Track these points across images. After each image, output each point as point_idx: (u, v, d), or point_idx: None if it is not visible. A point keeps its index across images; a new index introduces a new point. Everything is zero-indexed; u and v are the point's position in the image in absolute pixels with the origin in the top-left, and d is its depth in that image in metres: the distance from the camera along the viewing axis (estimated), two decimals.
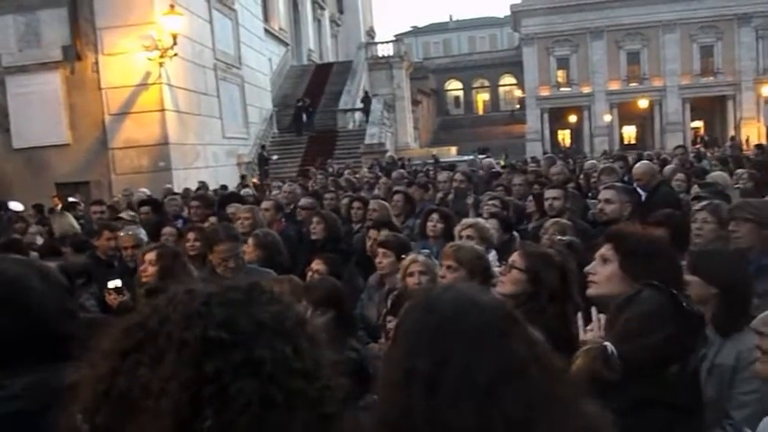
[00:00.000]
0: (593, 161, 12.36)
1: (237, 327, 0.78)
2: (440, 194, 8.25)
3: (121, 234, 5.24)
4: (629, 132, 48.55)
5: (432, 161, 22.11)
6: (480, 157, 19.96)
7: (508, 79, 61.01)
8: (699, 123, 46.47)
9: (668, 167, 8.94)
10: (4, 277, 1.35)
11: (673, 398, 1.81)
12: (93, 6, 15.65)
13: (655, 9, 43.94)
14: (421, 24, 79.38)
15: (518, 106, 55.74)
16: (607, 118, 45.71)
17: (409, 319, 1.11)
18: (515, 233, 5.25)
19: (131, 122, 15.86)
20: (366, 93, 29.77)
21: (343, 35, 44.43)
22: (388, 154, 24.04)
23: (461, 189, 7.75)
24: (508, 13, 50.59)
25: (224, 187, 14.02)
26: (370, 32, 47.07)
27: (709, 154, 18.28)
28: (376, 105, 27.32)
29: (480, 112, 62.92)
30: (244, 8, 22.53)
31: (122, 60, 15.68)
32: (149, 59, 15.49)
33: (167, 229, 5.73)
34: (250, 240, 4.79)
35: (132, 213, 7.29)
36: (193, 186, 13.25)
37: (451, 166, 13.92)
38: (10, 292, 1.32)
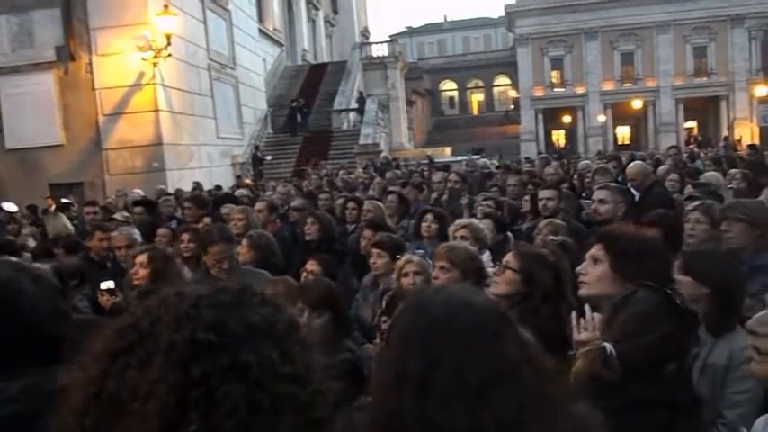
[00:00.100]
0: (587, 161, 12.40)
1: (226, 330, 0.77)
2: (434, 195, 8.26)
3: (115, 234, 5.23)
4: (623, 133, 48.68)
5: (426, 161, 22.14)
6: (474, 157, 20.00)
7: (502, 80, 61.10)
8: (692, 124, 46.63)
9: (662, 168, 8.97)
10: None
11: (671, 396, 1.82)
12: (86, 7, 15.60)
13: (648, 10, 44.07)
14: (415, 25, 79.45)
15: (512, 107, 55.81)
16: (601, 118, 45.82)
17: (401, 321, 1.11)
18: (509, 233, 5.26)
19: (125, 123, 15.82)
20: (361, 93, 29.77)
21: (337, 35, 44.42)
22: (383, 154, 24.04)
23: (456, 190, 7.76)
24: (502, 13, 50.64)
25: (218, 188, 14.00)
26: (365, 33, 47.09)
27: (702, 154, 18.36)
28: (370, 106, 27.32)
29: (475, 112, 62.97)
30: (238, 8, 22.50)
31: (116, 61, 15.64)
32: (143, 60, 15.45)
33: (162, 231, 5.72)
34: (244, 241, 4.78)
35: (126, 214, 7.27)
36: (188, 187, 13.23)
37: (446, 167, 13.93)
38: (1, 295, 1.32)
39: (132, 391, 0.73)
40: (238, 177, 19.49)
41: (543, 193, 5.43)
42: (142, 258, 3.75)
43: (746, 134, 36.93)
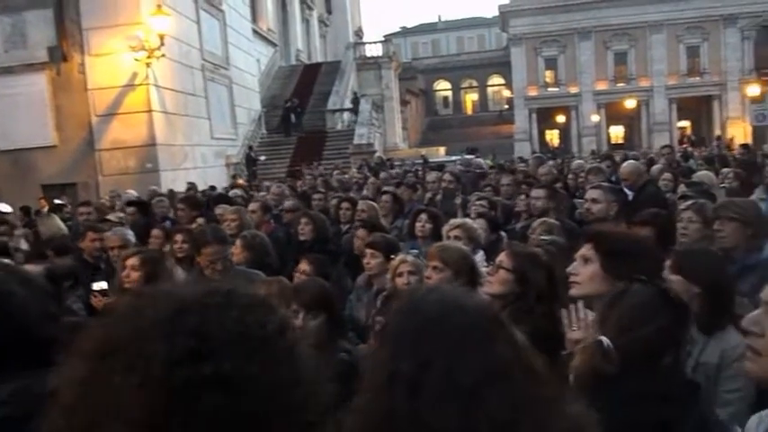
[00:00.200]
0: (581, 161, 12.43)
1: (210, 336, 0.74)
2: (428, 195, 8.27)
3: (108, 235, 5.21)
4: (617, 132, 48.82)
5: (420, 161, 22.15)
6: (468, 157, 19.99)
7: (496, 79, 61.18)
8: (685, 123, 46.80)
9: (655, 167, 9.00)
10: None
11: (667, 388, 1.85)
12: (79, 7, 15.55)
13: (642, 10, 44.22)
14: (409, 25, 79.50)
15: (506, 106, 55.89)
16: (595, 118, 45.93)
17: (393, 322, 1.11)
18: (503, 233, 5.27)
19: (118, 123, 15.78)
20: (355, 93, 29.77)
21: (331, 35, 44.41)
22: (377, 154, 24.04)
23: (450, 189, 7.77)
24: (496, 13, 50.70)
25: (212, 188, 13.98)
26: (359, 33, 47.09)
27: (696, 153, 18.43)
28: (364, 106, 27.32)
29: (469, 112, 63.05)
30: (232, 9, 22.47)
31: (109, 61, 15.59)
32: (136, 60, 15.41)
33: (155, 232, 5.71)
34: (238, 242, 4.78)
35: (120, 215, 7.25)
36: (182, 188, 13.20)
37: (440, 167, 13.94)
38: None
39: (116, 396, 0.71)
40: (233, 177, 19.46)
41: (533, 193, 5.49)
42: (133, 261, 3.73)
43: (739, 133, 37.06)
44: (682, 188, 6.13)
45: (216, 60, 20.48)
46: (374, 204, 6.61)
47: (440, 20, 78.62)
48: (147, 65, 15.49)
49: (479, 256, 4.12)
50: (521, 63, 47.11)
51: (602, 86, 46.09)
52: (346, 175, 14.29)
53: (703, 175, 7.23)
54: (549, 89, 47.17)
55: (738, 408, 2.13)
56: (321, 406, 0.79)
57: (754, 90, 33.29)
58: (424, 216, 5.23)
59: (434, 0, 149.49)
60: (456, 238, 4.21)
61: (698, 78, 45.04)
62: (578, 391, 1.83)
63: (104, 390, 0.70)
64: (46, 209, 11.08)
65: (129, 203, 8.01)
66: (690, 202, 4.01)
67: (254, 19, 28.22)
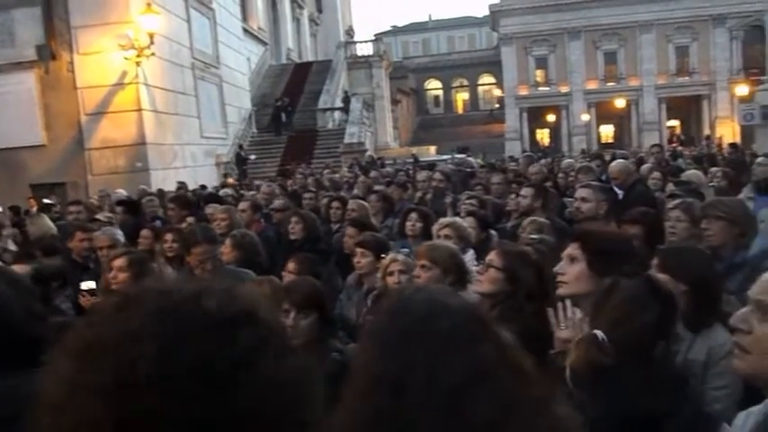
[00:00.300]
0: (571, 160, 12.48)
1: (175, 363, 0.66)
2: (419, 194, 8.27)
3: (97, 234, 5.18)
4: (607, 131, 49.03)
5: (411, 160, 22.16)
6: (460, 156, 20.03)
7: (487, 79, 61.28)
8: (675, 122, 47.06)
9: (645, 166, 9.05)
10: None
11: (660, 379, 1.89)
12: (67, 5, 15.45)
13: (631, 9, 44.44)
14: (400, 24, 79.52)
15: (497, 105, 56.00)
16: (585, 117, 46.12)
17: (378, 324, 1.11)
18: (492, 231, 5.28)
19: (108, 122, 15.70)
20: (346, 92, 29.74)
21: (322, 34, 44.35)
22: (368, 153, 24.04)
23: (440, 188, 7.78)
24: (487, 12, 50.81)
25: (203, 187, 13.93)
26: (350, 32, 47.02)
27: (686, 152, 18.54)
28: (355, 105, 27.31)
29: (460, 111, 63.13)
30: (222, 7, 22.40)
31: (98, 60, 15.51)
32: (126, 59, 15.34)
33: (145, 232, 5.68)
34: (227, 241, 4.76)
35: (109, 215, 7.21)
36: (172, 187, 13.15)
37: (431, 166, 13.96)
38: None
39: (104, 397, 0.67)
40: (225, 176, 19.41)
41: (522, 191, 5.53)
42: (120, 262, 3.71)
43: (728, 133, 37.29)
44: (670, 187, 6.16)
45: (206, 59, 20.42)
46: (364, 203, 6.61)
47: (430, 19, 78.71)
48: (137, 63, 15.42)
49: (469, 255, 4.13)
50: (511, 62, 47.24)
51: (592, 86, 46.29)
52: (337, 175, 14.28)
53: (692, 174, 7.27)
54: (540, 88, 47.34)
55: (725, 405, 2.15)
56: (315, 407, 0.78)
57: (742, 90, 33.54)
58: (414, 215, 5.23)
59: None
60: (446, 236, 4.21)
61: (687, 78, 45.33)
62: (575, 385, 1.86)
63: (92, 390, 0.69)
64: (35, 208, 11.00)
65: (119, 203, 7.97)
66: (678, 201, 4.03)
67: (245, 17, 28.14)
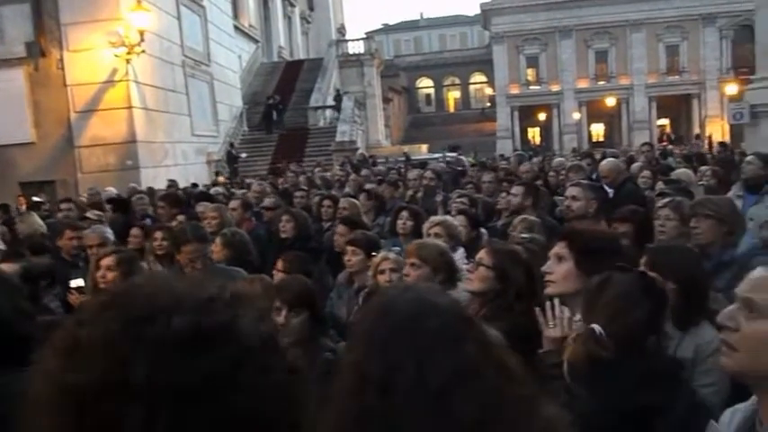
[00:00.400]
0: (562, 159, 12.51)
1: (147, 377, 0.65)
2: (410, 192, 8.28)
3: (87, 232, 5.16)
4: (598, 130, 49.22)
5: (403, 159, 22.17)
6: (451, 154, 20.06)
7: (479, 77, 61.38)
8: (665, 121, 47.28)
9: (635, 165, 9.09)
10: None
11: (656, 370, 1.94)
12: (57, 2, 15.35)
13: (622, 9, 44.62)
14: (392, 22, 79.61)
15: (488, 104, 56.10)
16: (576, 116, 46.28)
17: (365, 324, 1.11)
18: (482, 230, 5.29)
19: (98, 120, 15.60)
20: (337, 90, 29.69)
21: (313, 32, 44.25)
22: (359, 152, 24.02)
23: (431, 187, 7.78)
24: (478, 11, 50.86)
25: (194, 185, 13.88)
26: (341, 30, 46.97)
27: (677, 151, 18.62)
28: (347, 103, 27.27)
29: (451, 109, 63.19)
30: (213, 4, 22.32)
31: (88, 57, 15.42)
32: (116, 56, 15.25)
33: (134, 231, 5.66)
34: (218, 239, 4.76)
35: (98, 213, 7.17)
36: (162, 185, 13.10)
37: (423, 164, 13.97)
38: None
39: (90, 399, 0.66)
40: (217, 174, 19.35)
41: (513, 190, 5.56)
42: (109, 261, 3.69)
43: (717, 131, 37.54)
44: (660, 185, 6.19)
45: (197, 56, 20.34)
46: (355, 202, 6.61)
47: (422, 17, 78.76)
48: (127, 61, 15.34)
49: (460, 254, 4.14)
50: (503, 61, 47.33)
51: (583, 85, 46.45)
52: (328, 173, 14.27)
53: (681, 172, 7.31)
54: (531, 87, 47.47)
55: (712, 402, 2.16)
56: (300, 417, 0.76)
57: (732, 89, 33.76)
58: (405, 213, 5.23)
59: None
60: (436, 235, 4.22)
61: (677, 77, 45.58)
62: (573, 379, 1.88)
63: (74, 391, 0.68)
64: (24, 207, 10.93)
65: (108, 201, 7.94)
66: (667, 200, 4.05)
67: (236, 15, 28.05)
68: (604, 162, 7.00)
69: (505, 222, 5.35)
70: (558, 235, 3.19)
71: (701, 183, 6.85)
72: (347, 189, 9.49)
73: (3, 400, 1.17)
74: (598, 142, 44.42)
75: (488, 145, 40.58)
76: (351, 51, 36.27)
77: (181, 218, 6.27)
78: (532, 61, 47.30)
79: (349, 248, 4.20)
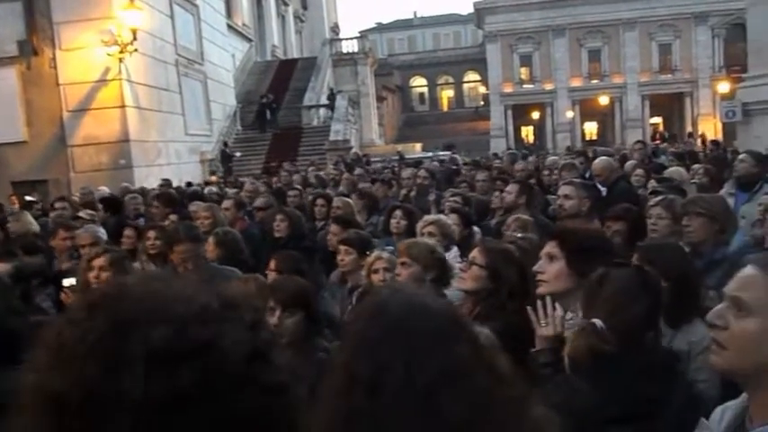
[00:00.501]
0: (555, 157, 12.53)
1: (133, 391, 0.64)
2: (403, 191, 8.27)
3: (79, 232, 5.14)
4: (591, 128, 49.35)
5: (397, 157, 22.17)
6: (441, 154, 20.07)
7: (472, 76, 61.41)
8: (658, 119, 47.43)
9: (629, 163, 9.11)
10: None
11: (654, 359, 1.98)
12: (49, 1, 15.28)
13: (615, 7, 44.73)
14: (385, 21, 79.55)
15: (482, 103, 56.13)
16: (569, 114, 46.39)
17: (355, 325, 1.11)
18: (475, 228, 5.30)
19: (90, 119, 15.54)
20: (331, 89, 29.66)
21: (307, 31, 44.18)
22: (353, 150, 24.01)
23: (424, 186, 7.78)
24: (472, 10, 50.90)
25: (189, 184, 13.84)
26: (335, 28, 46.88)
27: (672, 149, 18.66)
28: (341, 102, 27.24)
29: (445, 108, 63.20)
30: (206, 3, 22.26)
31: (81, 56, 15.35)
32: (108, 55, 15.19)
33: (128, 231, 5.64)
34: (210, 239, 4.75)
35: (91, 212, 7.15)
36: (155, 184, 13.06)
37: (417, 163, 13.97)
38: None
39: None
40: (212, 174, 19.30)
41: (507, 188, 5.58)
42: (101, 261, 3.67)
43: (710, 130, 37.67)
44: (652, 184, 6.21)
45: (190, 55, 20.28)
46: (349, 201, 6.61)
47: (415, 16, 78.73)
48: (120, 60, 15.28)
49: (454, 252, 4.14)
50: (496, 60, 47.39)
51: (576, 83, 46.56)
52: (322, 172, 14.26)
53: (674, 171, 7.33)
54: (525, 86, 47.55)
55: (710, 395, 2.17)
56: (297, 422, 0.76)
57: (724, 87, 33.90)
58: (398, 212, 5.22)
59: None
60: (430, 234, 4.22)
61: (670, 75, 45.76)
62: (575, 373, 1.90)
63: (61, 395, 0.68)
64: (17, 206, 10.88)
65: (100, 201, 7.91)
66: (659, 198, 4.07)
67: (229, 14, 27.98)
68: (597, 161, 7.02)
69: (499, 221, 5.35)
70: (550, 234, 3.21)
71: (693, 181, 6.87)
72: (341, 188, 9.49)
73: None
74: (591, 141, 44.53)
75: (482, 144, 40.64)
76: (344, 50, 36.23)
77: (173, 217, 6.26)
78: (526, 60, 47.37)
79: (342, 248, 4.19)
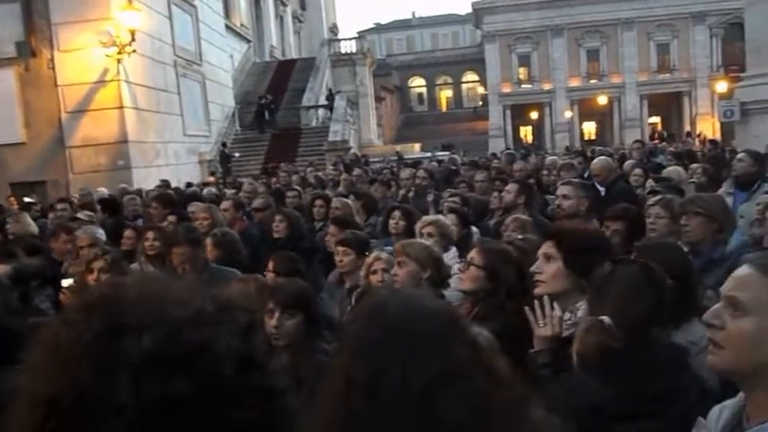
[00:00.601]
0: (554, 157, 12.54)
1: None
2: (402, 192, 8.27)
3: (78, 233, 5.14)
4: (589, 128, 49.38)
5: (395, 158, 22.18)
6: (440, 154, 20.08)
7: (471, 76, 61.43)
8: (656, 119, 47.48)
9: (628, 162, 9.13)
10: None
11: (663, 354, 2.01)
12: (47, 2, 15.27)
13: (613, 7, 44.77)
14: (384, 21, 79.53)
15: (481, 103, 56.17)
16: (568, 114, 46.41)
17: (355, 325, 1.11)
18: (474, 228, 5.30)
19: (89, 120, 15.53)
20: (330, 90, 29.66)
21: (305, 32, 44.19)
22: (352, 151, 24.01)
23: (422, 186, 7.78)
24: (470, 10, 50.90)
25: (189, 184, 13.83)
26: (333, 29, 46.87)
27: (671, 149, 18.68)
28: (339, 102, 27.24)
29: (443, 108, 63.24)
30: (204, 4, 22.25)
31: (79, 57, 15.34)
32: (107, 56, 15.18)
33: (128, 233, 5.64)
34: (208, 240, 4.75)
35: (90, 213, 7.14)
36: (153, 185, 13.05)
37: (416, 163, 13.98)
38: None
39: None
40: (212, 174, 19.29)
41: (507, 187, 5.58)
42: (100, 264, 3.67)
43: (708, 129, 37.73)
44: (650, 183, 6.22)
45: (188, 56, 20.27)
46: (348, 202, 6.61)
47: (414, 16, 78.76)
48: (118, 61, 15.27)
49: (452, 253, 4.15)
50: (495, 60, 47.40)
51: (574, 83, 46.59)
52: (321, 173, 14.26)
53: (672, 170, 7.34)
54: (523, 86, 47.57)
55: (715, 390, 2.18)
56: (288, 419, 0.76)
57: (722, 87, 33.95)
58: (397, 213, 5.22)
59: None
60: (428, 234, 4.22)
61: (668, 75, 45.81)
62: (584, 370, 1.93)
63: (54, 395, 0.68)
64: (16, 207, 10.87)
65: (98, 202, 7.91)
66: (657, 198, 4.07)
67: (227, 14, 27.97)
68: (596, 161, 7.03)
69: (498, 221, 5.36)
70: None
71: (691, 180, 6.88)
72: (340, 189, 9.49)
73: None
74: (590, 140, 44.55)
75: (481, 144, 40.66)
76: (343, 51, 36.20)
77: (172, 218, 6.25)
78: (524, 60, 47.39)
79: (340, 249, 4.19)
